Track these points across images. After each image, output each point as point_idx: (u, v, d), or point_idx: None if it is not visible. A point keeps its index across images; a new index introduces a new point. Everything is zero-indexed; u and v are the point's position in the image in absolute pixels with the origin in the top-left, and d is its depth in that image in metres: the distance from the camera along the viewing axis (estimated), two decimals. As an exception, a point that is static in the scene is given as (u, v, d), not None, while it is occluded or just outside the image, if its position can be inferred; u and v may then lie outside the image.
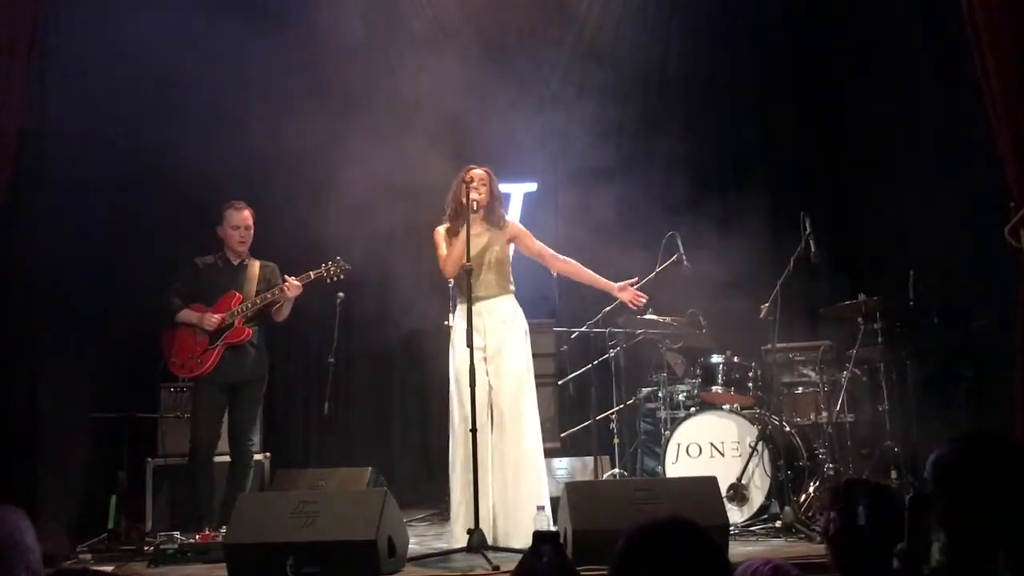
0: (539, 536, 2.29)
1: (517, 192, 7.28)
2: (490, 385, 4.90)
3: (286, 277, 5.44)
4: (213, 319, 5.33)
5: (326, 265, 5.43)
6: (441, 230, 5.13)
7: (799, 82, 7.28)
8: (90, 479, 5.91)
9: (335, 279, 5.46)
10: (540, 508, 4.63)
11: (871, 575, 2.35)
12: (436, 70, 6.87)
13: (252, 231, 5.53)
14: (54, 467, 5.70)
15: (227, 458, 5.45)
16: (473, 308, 4.94)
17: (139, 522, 5.62)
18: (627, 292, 5.35)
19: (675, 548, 1.89)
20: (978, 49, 4.80)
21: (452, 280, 5.43)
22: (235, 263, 5.53)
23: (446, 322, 5.81)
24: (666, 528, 1.93)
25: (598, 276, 5.39)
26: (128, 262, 6.18)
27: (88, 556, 5.02)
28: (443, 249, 5.07)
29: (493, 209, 5.14)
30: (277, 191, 6.39)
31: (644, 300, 5.41)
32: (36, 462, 5.53)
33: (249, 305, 5.40)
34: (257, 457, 5.73)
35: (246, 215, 5.50)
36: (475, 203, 4.97)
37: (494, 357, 4.96)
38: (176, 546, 4.69)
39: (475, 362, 4.71)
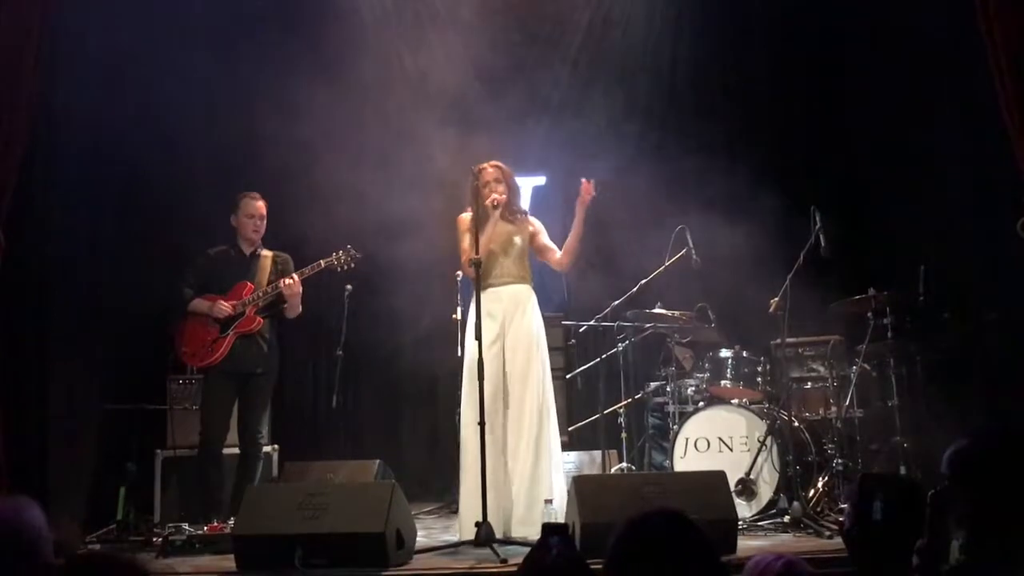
0: (548, 528, 2.28)
1: (526, 185, 7.25)
2: (505, 372, 4.91)
3: (293, 276, 5.42)
4: (224, 307, 5.33)
5: (336, 254, 5.43)
6: (466, 217, 5.10)
7: (810, 77, 7.25)
8: (99, 470, 5.93)
9: (345, 268, 5.45)
10: (548, 501, 4.64)
11: (888, 572, 2.34)
12: (446, 62, 6.87)
13: (265, 221, 5.54)
14: (64, 458, 5.73)
15: (236, 450, 5.46)
16: (492, 293, 4.96)
17: (148, 513, 5.63)
18: (583, 194, 5.08)
19: (667, 540, 1.91)
20: (991, 41, 4.76)
21: (460, 273, 5.44)
22: (247, 253, 5.53)
23: (454, 315, 5.81)
24: (656, 521, 1.95)
25: (573, 230, 5.16)
26: (138, 254, 6.20)
27: (97, 546, 5.04)
28: (466, 242, 5.04)
29: (512, 201, 5.15)
30: (286, 182, 6.39)
31: (592, 183, 5.09)
32: (46, 453, 5.56)
33: (261, 294, 5.40)
34: (266, 449, 5.74)
35: (260, 204, 5.51)
36: (496, 202, 4.98)
37: (511, 344, 4.96)
38: (185, 537, 4.69)
39: (490, 350, 4.72)
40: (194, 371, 5.75)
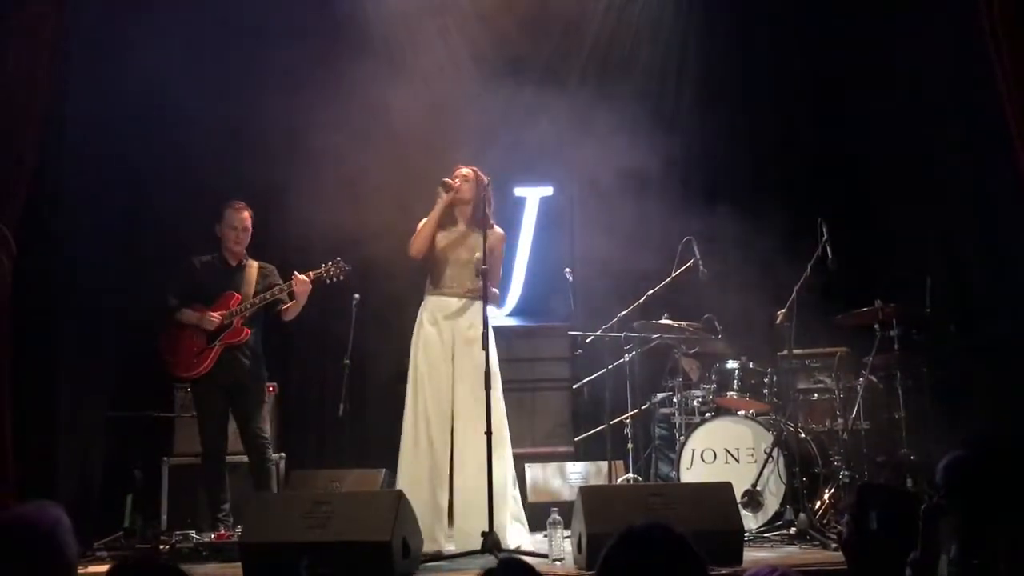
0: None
1: (533, 196, 7.27)
2: (454, 383, 4.93)
3: (295, 274, 5.39)
4: (214, 318, 5.31)
5: (326, 266, 5.42)
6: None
7: (817, 89, 7.26)
8: (106, 478, 5.94)
9: (334, 279, 5.44)
10: (554, 509, 4.62)
11: None
12: (452, 73, 6.89)
13: (249, 233, 5.50)
14: (71, 465, 5.75)
15: (244, 458, 5.46)
16: (442, 301, 5.00)
17: (155, 521, 5.63)
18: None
19: (656, 554, 1.92)
20: (999, 57, 4.77)
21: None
22: (233, 264, 5.50)
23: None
24: (646, 535, 1.97)
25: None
26: (145, 263, 6.22)
27: (104, 554, 5.05)
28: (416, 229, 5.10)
29: (477, 208, 5.10)
30: (292, 193, 6.41)
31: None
32: (53, 460, 5.57)
33: (248, 305, 5.38)
34: (272, 457, 5.74)
35: (244, 216, 5.47)
36: (450, 186, 5.01)
37: (459, 355, 4.95)
38: (191, 545, 4.72)
39: (441, 359, 4.80)
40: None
